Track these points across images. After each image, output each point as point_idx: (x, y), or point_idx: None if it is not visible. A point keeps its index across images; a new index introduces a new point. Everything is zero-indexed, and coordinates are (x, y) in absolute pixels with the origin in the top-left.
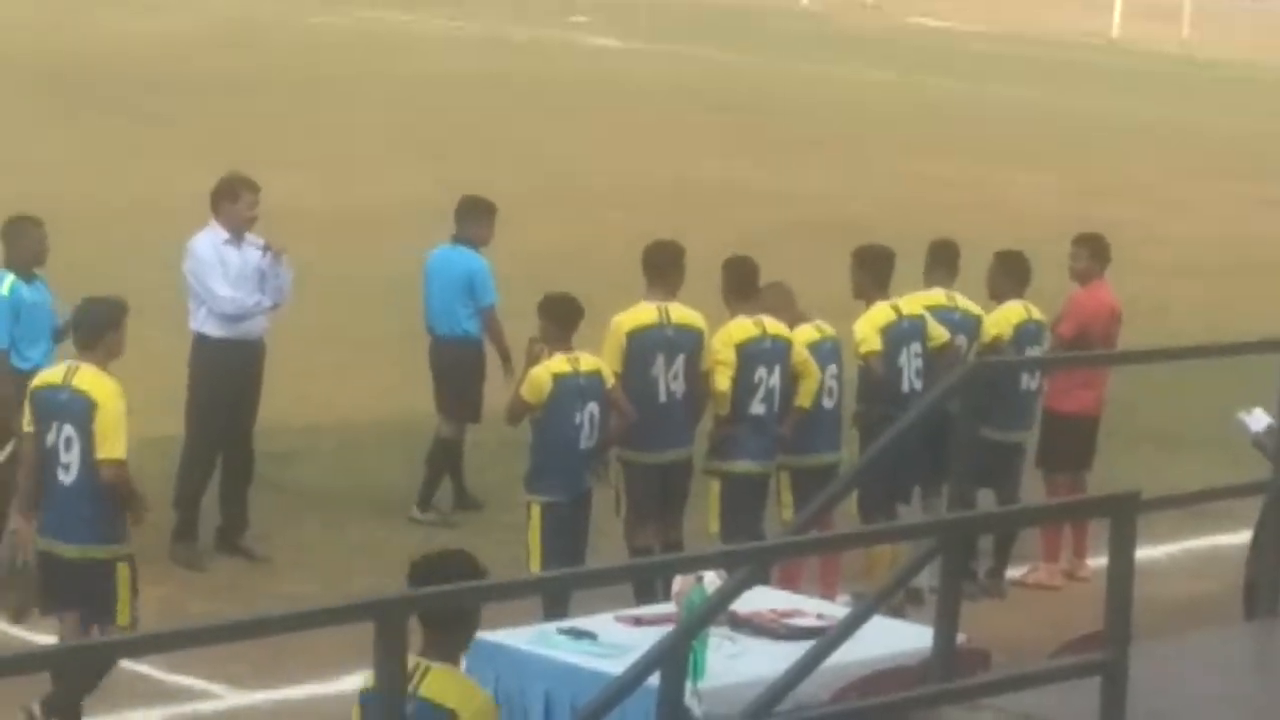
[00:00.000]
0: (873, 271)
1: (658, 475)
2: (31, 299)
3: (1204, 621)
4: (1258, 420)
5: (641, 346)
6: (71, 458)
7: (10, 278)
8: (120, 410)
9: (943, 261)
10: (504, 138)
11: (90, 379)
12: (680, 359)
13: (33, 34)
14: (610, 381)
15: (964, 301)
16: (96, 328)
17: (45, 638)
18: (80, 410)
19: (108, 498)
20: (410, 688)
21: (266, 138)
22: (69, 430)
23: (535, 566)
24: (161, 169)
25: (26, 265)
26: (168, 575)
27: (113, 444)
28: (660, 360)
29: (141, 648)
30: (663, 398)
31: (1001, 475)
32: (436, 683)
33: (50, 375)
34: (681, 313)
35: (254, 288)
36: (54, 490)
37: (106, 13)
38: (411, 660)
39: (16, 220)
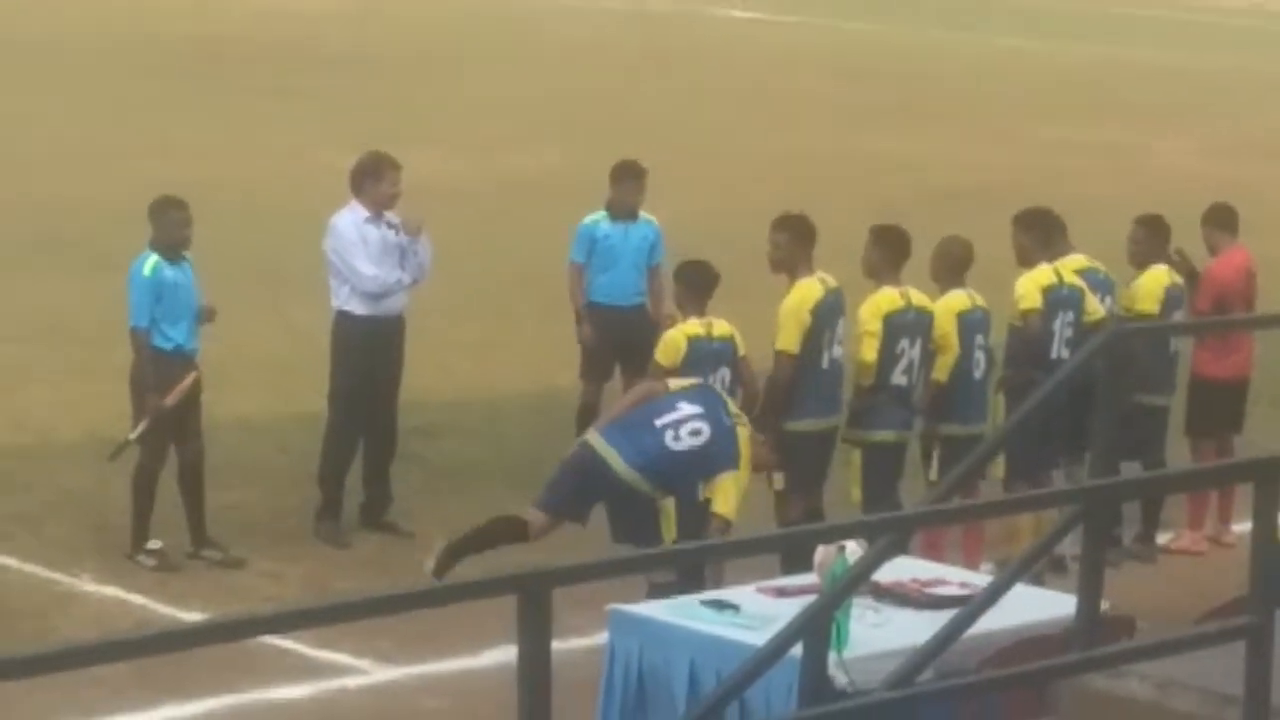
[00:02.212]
0: (1036, 234)
1: (820, 443)
2: (174, 279)
3: None
4: None
5: (819, 320)
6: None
7: (154, 258)
8: None
9: (1059, 230)
10: (639, 109)
11: None
12: (839, 324)
13: (173, 13)
14: (743, 350)
15: (1099, 263)
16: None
17: (191, 615)
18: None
19: None
20: None
21: (402, 112)
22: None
23: (668, 534)
24: (299, 146)
25: (171, 246)
26: (312, 552)
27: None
28: (827, 330)
29: (288, 623)
30: (826, 364)
31: (1147, 440)
32: None
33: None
34: (833, 279)
35: (395, 265)
36: None
37: None
38: None
39: (161, 201)
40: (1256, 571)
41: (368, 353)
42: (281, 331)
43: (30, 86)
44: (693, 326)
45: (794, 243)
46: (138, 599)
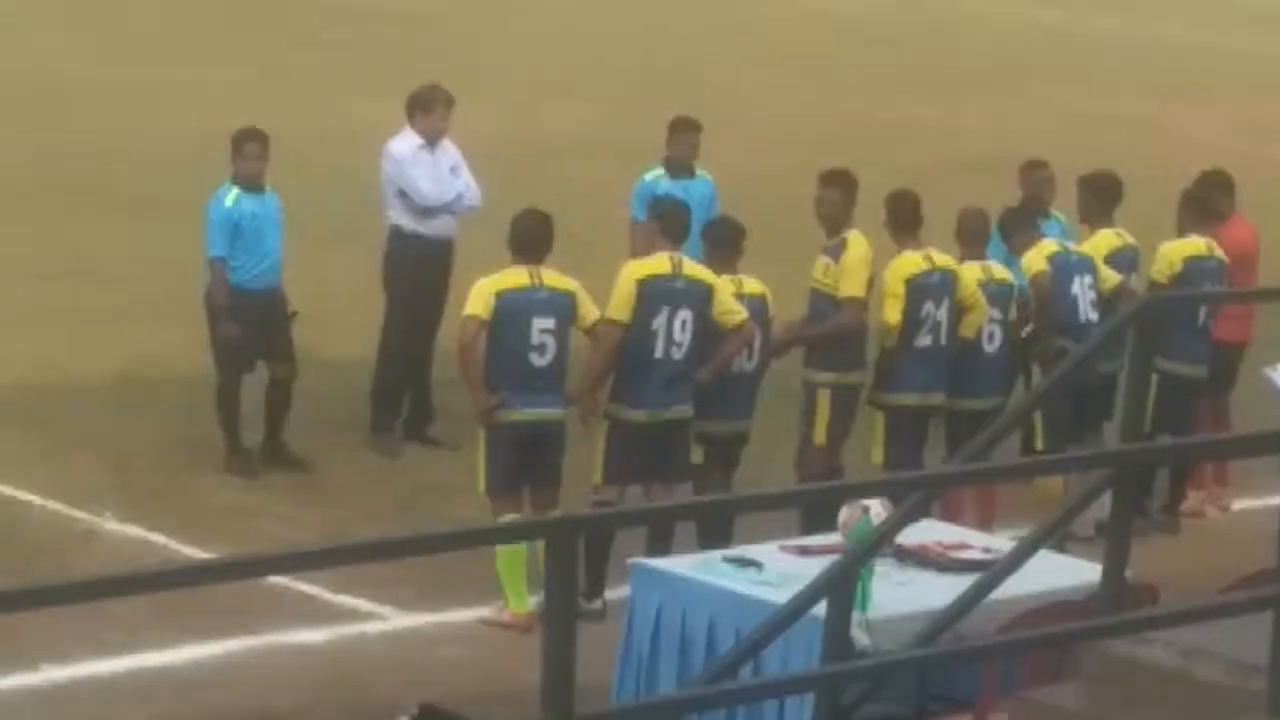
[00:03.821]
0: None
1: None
2: (252, 211)
3: None
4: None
5: (651, 297)
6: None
7: (235, 190)
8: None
9: (1106, 195)
10: (671, 72)
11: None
12: (688, 313)
13: None
14: (773, 311)
15: (1130, 238)
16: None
17: (204, 553)
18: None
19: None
20: None
21: (436, 68)
22: (685, 314)
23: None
24: (333, 98)
25: (243, 179)
26: (332, 496)
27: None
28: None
29: (307, 563)
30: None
31: (1175, 413)
32: None
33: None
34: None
35: (450, 186)
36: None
37: None
38: None
39: (237, 133)
40: None
41: (418, 270)
42: (310, 279)
43: (62, 26)
44: (725, 285)
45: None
46: (159, 538)
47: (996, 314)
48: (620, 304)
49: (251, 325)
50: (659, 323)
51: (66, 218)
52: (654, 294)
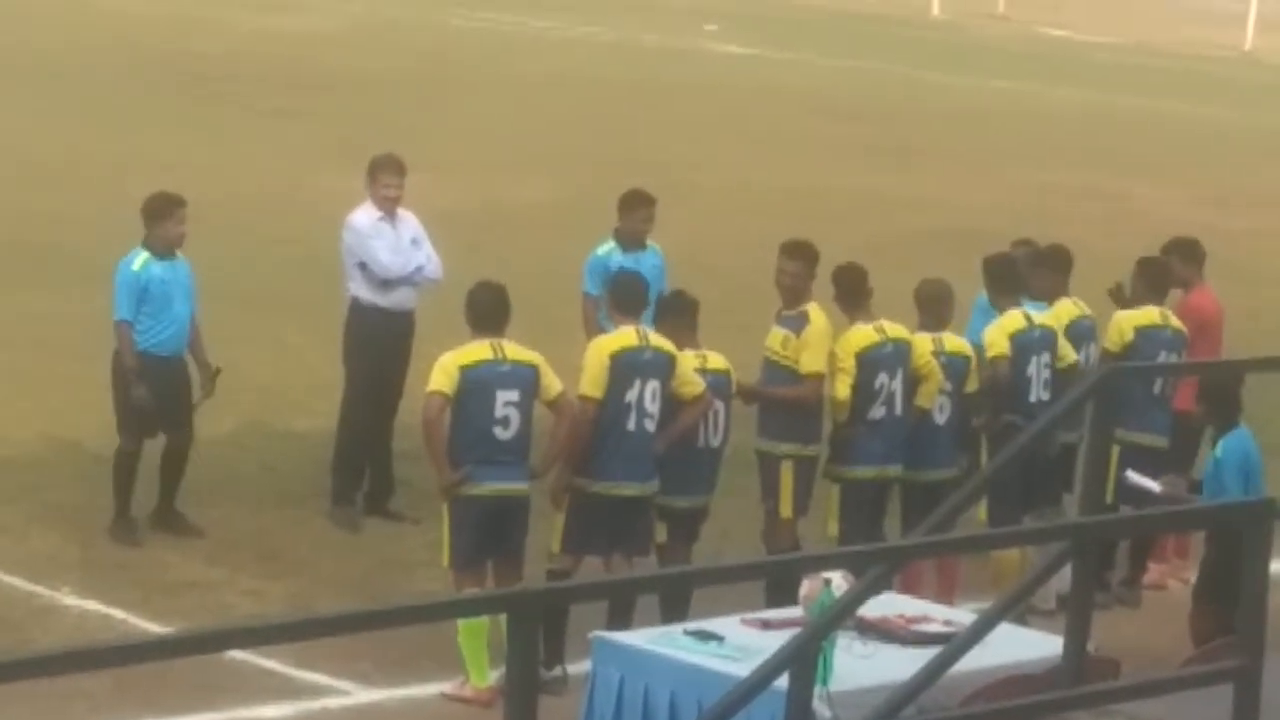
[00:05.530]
0: (999, 280)
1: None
2: (161, 276)
3: None
4: (1139, 479)
5: (622, 370)
6: (655, 408)
7: (144, 255)
8: None
9: (1062, 268)
10: (633, 143)
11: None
12: (656, 384)
13: (169, 32)
14: (734, 386)
15: (1087, 308)
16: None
17: (164, 627)
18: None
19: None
20: None
21: (393, 136)
22: (654, 385)
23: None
24: (292, 166)
25: (154, 243)
26: (295, 571)
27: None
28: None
29: (269, 637)
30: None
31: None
32: None
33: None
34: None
35: (410, 259)
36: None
37: (240, 11)
38: None
39: (151, 198)
40: (1246, 614)
41: (378, 342)
42: (271, 351)
43: (22, 98)
44: (688, 358)
45: (809, 272)
46: (119, 613)
47: (947, 385)
48: (594, 380)
49: (154, 391)
50: (631, 395)
51: (20, 285)
52: (625, 367)
